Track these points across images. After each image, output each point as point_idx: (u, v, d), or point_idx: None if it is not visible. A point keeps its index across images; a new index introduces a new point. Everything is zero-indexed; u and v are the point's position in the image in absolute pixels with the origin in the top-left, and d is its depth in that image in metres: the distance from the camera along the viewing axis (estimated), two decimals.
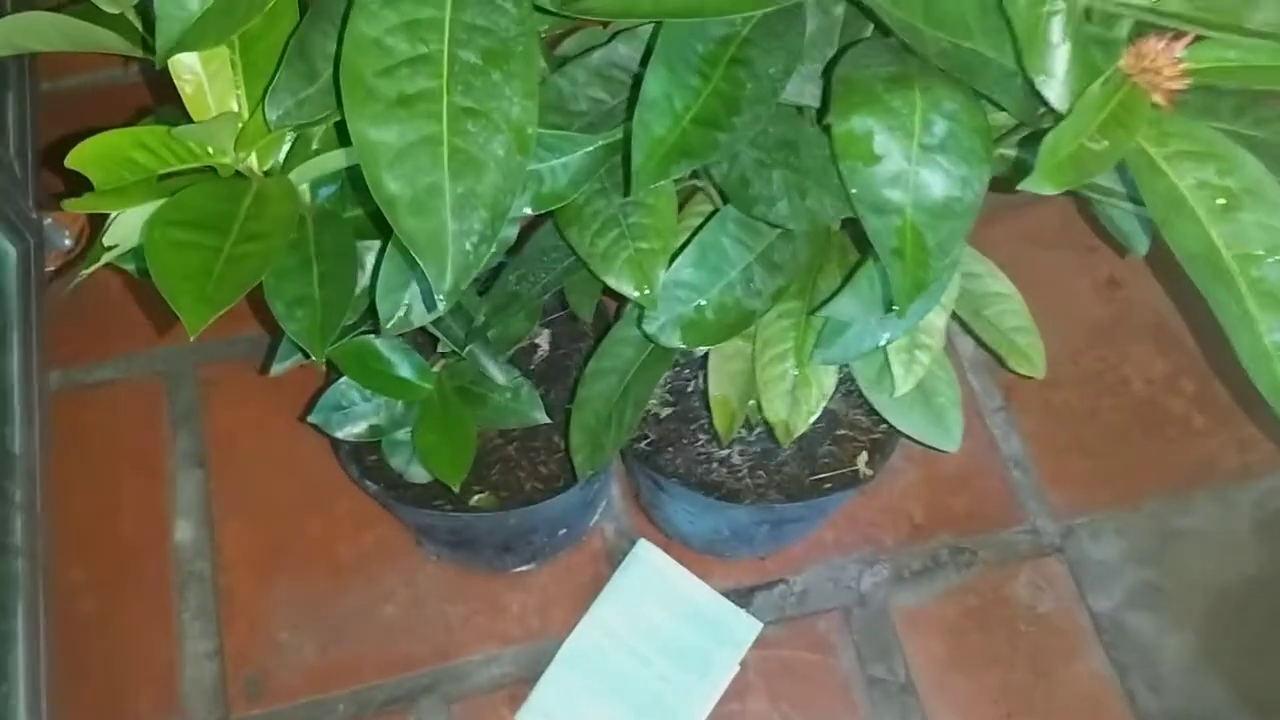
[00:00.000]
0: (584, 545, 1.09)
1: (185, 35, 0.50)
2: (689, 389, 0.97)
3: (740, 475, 0.94)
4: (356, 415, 0.81)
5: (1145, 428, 1.17)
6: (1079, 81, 0.47)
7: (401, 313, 0.65)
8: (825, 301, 0.65)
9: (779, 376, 0.76)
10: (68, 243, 1.21)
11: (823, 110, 0.57)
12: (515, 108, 0.50)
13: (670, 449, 0.95)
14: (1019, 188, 0.44)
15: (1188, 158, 0.50)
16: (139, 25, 0.70)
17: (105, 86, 1.37)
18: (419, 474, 0.87)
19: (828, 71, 0.61)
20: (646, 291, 0.63)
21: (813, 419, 0.76)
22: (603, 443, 0.79)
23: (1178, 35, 0.48)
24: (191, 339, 0.50)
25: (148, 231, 0.53)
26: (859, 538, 1.10)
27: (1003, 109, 0.52)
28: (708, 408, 0.83)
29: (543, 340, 0.99)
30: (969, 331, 0.80)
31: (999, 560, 1.10)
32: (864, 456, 0.95)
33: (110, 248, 0.58)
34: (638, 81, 0.64)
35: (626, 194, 0.61)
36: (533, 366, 0.98)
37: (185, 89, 0.55)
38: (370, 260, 0.72)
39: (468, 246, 0.49)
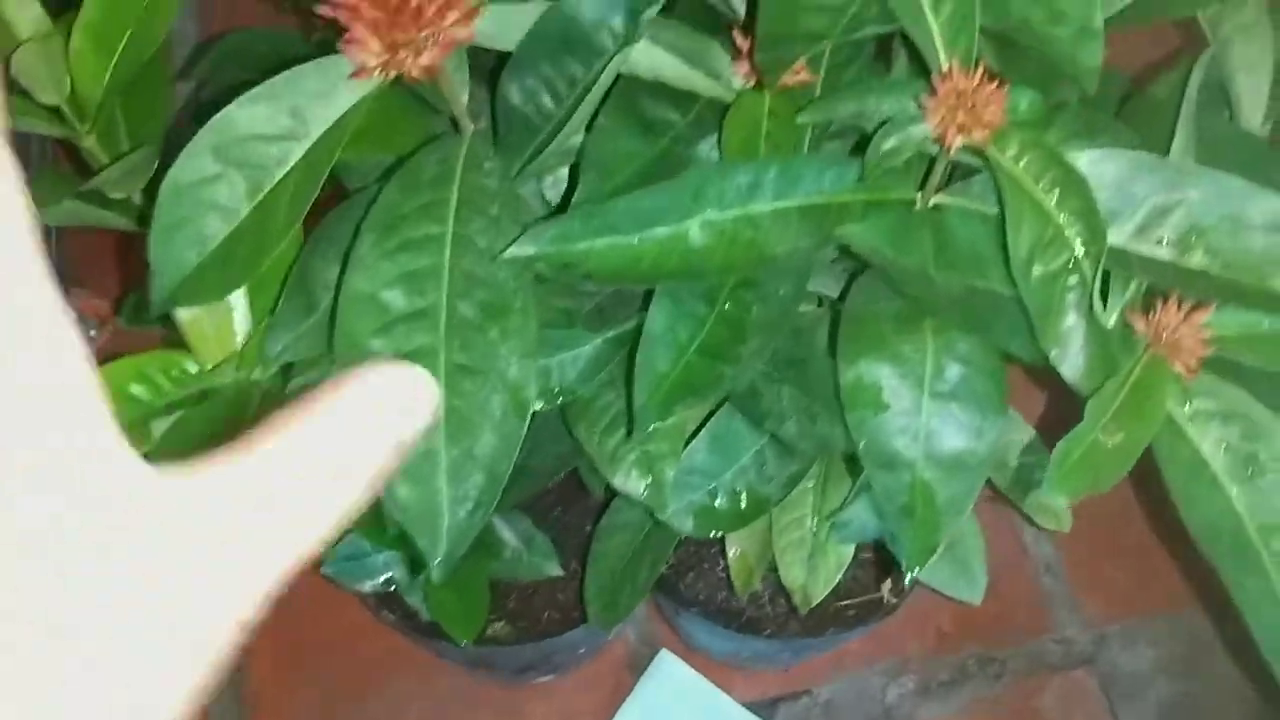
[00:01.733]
0: (606, 653, 1.08)
1: (179, 289, 0.49)
2: None
3: (762, 602, 0.93)
4: (372, 568, 0.80)
5: (1183, 530, 1.14)
6: (1095, 359, 0.45)
7: None
8: (839, 508, 0.63)
9: (797, 542, 0.74)
10: (93, 333, 1.22)
11: (830, 340, 0.55)
12: (512, 368, 0.48)
13: (690, 573, 0.94)
14: (1032, 502, 0.42)
15: (1212, 417, 0.48)
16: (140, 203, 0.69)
17: None
18: None
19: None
20: (654, 490, 0.62)
21: (831, 586, 0.74)
22: (617, 601, 0.78)
23: (1198, 304, 0.46)
24: None
25: None
26: (884, 648, 1.08)
27: (1015, 358, 0.50)
28: None
29: None
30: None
31: (1028, 671, 1.08)
32: (888, 583, 0.93)
33: None
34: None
35: (629, 434, 0.59)
36: (549, 485, 0.96)
37: (182, 316, 0.55)
38: None
39: (462, 514, 0.48)
